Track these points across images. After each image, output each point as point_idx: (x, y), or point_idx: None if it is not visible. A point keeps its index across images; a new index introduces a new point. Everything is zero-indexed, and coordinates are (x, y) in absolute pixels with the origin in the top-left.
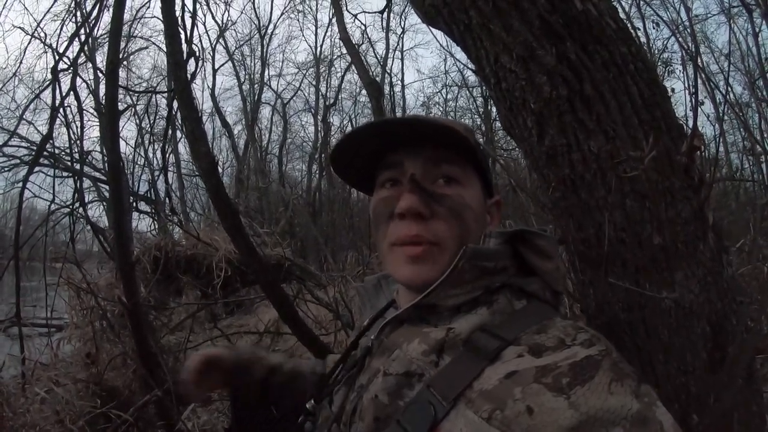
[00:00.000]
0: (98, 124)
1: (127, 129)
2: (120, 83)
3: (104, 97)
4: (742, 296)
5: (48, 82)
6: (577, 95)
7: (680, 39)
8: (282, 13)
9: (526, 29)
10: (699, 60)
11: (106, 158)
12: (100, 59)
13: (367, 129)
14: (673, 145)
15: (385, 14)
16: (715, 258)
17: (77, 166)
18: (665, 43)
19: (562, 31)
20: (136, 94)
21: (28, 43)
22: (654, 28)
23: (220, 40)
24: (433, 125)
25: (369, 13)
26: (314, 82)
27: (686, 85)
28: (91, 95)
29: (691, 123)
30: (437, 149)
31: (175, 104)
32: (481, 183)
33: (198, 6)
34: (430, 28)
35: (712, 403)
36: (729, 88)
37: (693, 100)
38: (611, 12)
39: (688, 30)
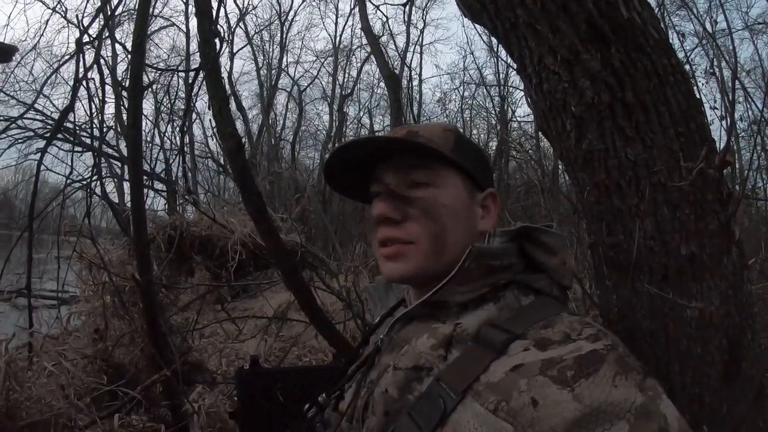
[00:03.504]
0: (114, 101)
1: (143, 108)
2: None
3: (128, 73)
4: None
5: (68, 56)
6: (618, 102)
7: (709, 51)
8: (303, 0)
9: (573, 32)
10: (721, 74)
11: (121, 136)
12: (118, 36)
13: (335, 154)
14: (705, 159)
15: (407, 7)
16: (737, 272)
17: (94, 141)
18: (687, 55)
19: (609, 37)
20: (158, 72)
21: (49, 17)
22: (679, 40)
23: (240, 24)
24: (387, 140)
25: (392, 4)
26: (332, 71)
27: (714, 96)
28: (109, 72)
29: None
30: (406, 158)
31: (197, 84)
32: (464, 180)
33: None
34: (452, 23)
35: (724, 416)
36: (749, 105)
37: (724, 114)
38: (654, 22)
39: (712, 43)
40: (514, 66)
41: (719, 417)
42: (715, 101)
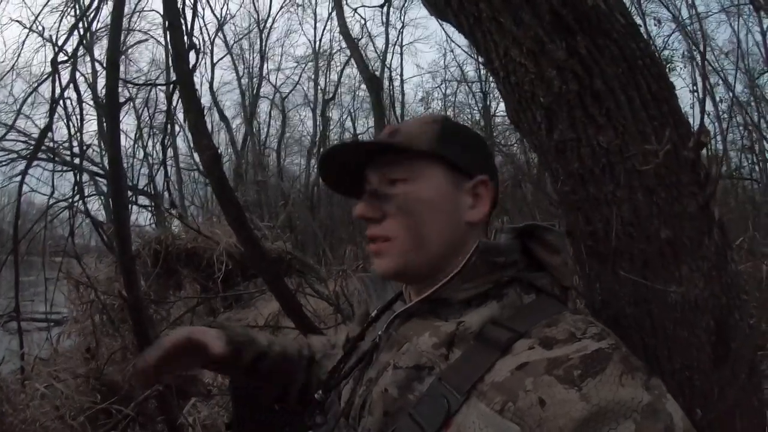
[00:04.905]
0: (96, 117)
1: (125, 123)
2: (119, 76)
3: (104, 90)
4: (742, 293)
5: (47, 75)
6: (587, 90)
7: (684, 35)
8: (281, 7)
9: (537, 23)
10: (702, 57)
11: (104, 152)
12: (98, 52)
13: (322, 163)
14: (680, 141)
15: (385, 8)
16: (720, 253)
17: (76, 160)
18: (665, 40)
19: (573, 26)
20: (136, 87)
21: (26, 37)
22: (655, 26)
23: (219, 34)
24: (355, 145)
25: (369, 7)
26: (313, 77)
27: (692, 80)
28: (89, 89)
29: (691, 120)
30: (386, 157)
31: (175, 97)
32: (447, 171)
33: None
34: (431, 22)
35: (716, 398)
36: (732, 86)
37: (700, 95)
38: (620, 8)
39: (689, 27)
40: (482, 60)
41: (712, 399)
42: (694, 84)
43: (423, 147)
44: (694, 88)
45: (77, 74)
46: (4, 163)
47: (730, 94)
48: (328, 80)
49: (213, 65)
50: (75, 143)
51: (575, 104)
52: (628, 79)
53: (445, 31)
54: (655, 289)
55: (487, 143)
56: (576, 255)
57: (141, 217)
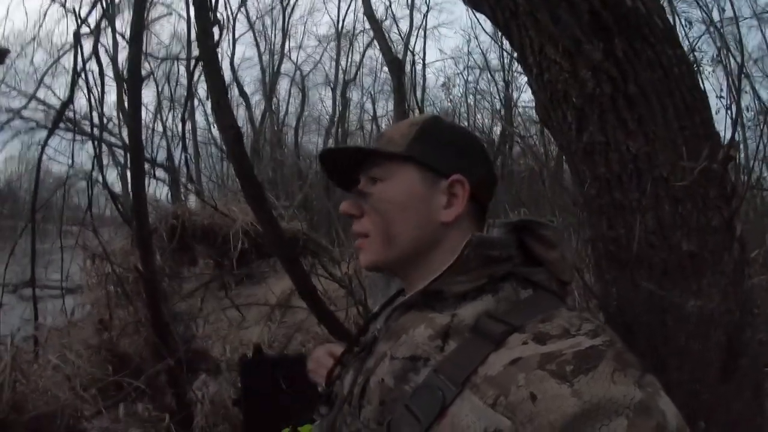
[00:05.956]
0: (116, 90)
1: (144, 95)
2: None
3: (127, 63)
4: (755, 307)
5: (68, 47)
6: (620, 94)
7: (716, 38)
8: None
9: (575, 22)
10: (730, 64)
11: (123, 124)
12: (119, 24)
13: (322, 163)
14: (709, 154)
15: None
16: (737, 269)
17: (96, 131)
18: (694, 43)
19: (611, 27)
20: (160, 61)
21: (48, 7)
22: (685, 26)
23: (242, 10)
24: (344, 150)
25: None
26: (335, 56)
27: (720, 85)
28: (110, 61)
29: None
30: (371, 158)
31: (197, 73)
32: (423, 172)
33: None
34: (456, 7)
35: (721, 412)
36: (756, 95)
37: (734, 109)
38: (659, 11)
39: (721, 31)
40: (516, 54)
41: (717, 413)
42: (721, 90)
43: (395, 149)
44: (722, 95)
45: (99, 46)
46: (23, 132)
47: (757, 103)
48: (349, 61)
49: (234, 41)
50: (95, 115)
51: (608, 107)
52: (663, 86)
53: (476, 17)
54: (672, 299)
55: (476, 143)
56: (595, 259)
57: (158, 191)
